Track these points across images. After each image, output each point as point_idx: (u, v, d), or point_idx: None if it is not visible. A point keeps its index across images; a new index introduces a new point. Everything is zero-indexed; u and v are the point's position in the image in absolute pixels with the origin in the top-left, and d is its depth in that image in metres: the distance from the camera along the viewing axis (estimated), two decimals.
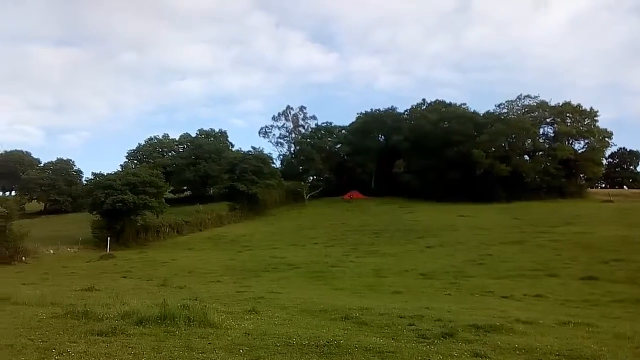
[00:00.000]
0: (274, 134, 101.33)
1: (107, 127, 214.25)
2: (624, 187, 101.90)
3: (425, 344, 8.67)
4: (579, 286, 23.09)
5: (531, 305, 18.02)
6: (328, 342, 8.35)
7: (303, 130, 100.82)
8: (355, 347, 8.05)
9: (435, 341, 8.89)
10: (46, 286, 22.21)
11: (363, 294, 21.02)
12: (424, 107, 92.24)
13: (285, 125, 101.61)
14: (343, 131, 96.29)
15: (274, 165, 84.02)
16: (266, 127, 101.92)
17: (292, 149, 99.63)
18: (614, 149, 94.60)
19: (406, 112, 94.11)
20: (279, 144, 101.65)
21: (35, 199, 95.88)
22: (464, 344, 8.65)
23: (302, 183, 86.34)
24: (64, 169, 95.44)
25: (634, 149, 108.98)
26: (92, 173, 62.72)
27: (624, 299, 19.14)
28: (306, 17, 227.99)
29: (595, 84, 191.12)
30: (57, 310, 11.48)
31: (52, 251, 47.59)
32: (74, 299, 14.33)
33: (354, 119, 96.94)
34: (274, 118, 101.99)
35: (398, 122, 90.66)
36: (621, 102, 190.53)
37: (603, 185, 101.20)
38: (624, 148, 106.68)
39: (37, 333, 8.76)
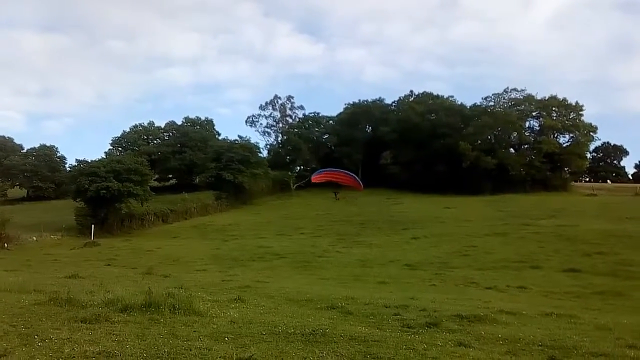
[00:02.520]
0: (261, 123, 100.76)
1: (91, 114, 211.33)
2: (608, 181, 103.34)
3: (410, 333, 8.74)
4: (561, 278, 23.41)
5: (514, 296, 18.25)
6: (314, 331, 8.37)
7: (290, 120, 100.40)
8: (341, 336, 8.08)
9: (420, 330, 8.97)
10: (29, 273, 21.99)
11: (349, 283, 21.12)
12: (412, 98, 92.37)
13: (272, 115, 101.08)
14: (330, 122, 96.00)
15: (261, 155, 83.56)
16: (253, 116, 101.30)
17: (279, 138, 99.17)
18: (598, 143, 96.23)
19: (394, 104, 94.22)
20: (266, 134, 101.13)
21: (17, 185, 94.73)
22: (448, 334, 8.74)
23: (289, 173, 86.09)
24: (47, 155, 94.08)
25: (618, 143, 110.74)
26: (76, 160, 62.15)
27: (605, 291, 19.45)
28: (294, 7, 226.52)
29: (581, 79, 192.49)
30: (40, 297, 11.37)
31: (34, 238, 46.94)
32: (57, 286, 14.18)
33: (341, 110, 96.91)
34: (261, 107, 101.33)
35: (386, 113, 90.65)
36: (605, 98, 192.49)
37: (587, 179, 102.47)
38: (608, 143, 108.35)
39: (20, 319, 8.67)
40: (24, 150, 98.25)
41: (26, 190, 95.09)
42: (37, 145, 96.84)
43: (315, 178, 59.86)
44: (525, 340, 8.33)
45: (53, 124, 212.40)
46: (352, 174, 58.07)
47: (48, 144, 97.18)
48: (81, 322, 8.56)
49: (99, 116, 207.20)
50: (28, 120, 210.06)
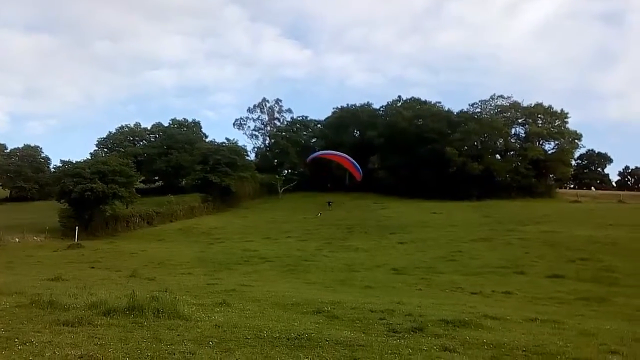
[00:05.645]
0: (248, 126, 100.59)
1: (76, 114, 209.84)
2: (592, 188, 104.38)
3: (396, 338, 8.73)
4: (546, 284, 23.60)
5: (499, 301, 18.32)
6: (299, 335, 8.34)
7: (278, 123, 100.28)
8: (326, 341, 8.06)
9: (405, 335, 8.96)
10: (11, 275, 21.65)
11: (335, 288, 21.08)
12: (400, 103, 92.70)
13: (260, 118, 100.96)
14: (318, 125, 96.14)
15: (248, 158, 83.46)
16: (241, 118, 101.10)
17: (267, 141, 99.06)
18: (582, 150, 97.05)
19: (382, 109, 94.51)
20: (254, 137, 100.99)
21: (0, 185, 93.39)
22: (433, 339, 8.74)
23: (277, 176, 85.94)
24: (30, 156, 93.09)
25: (602, 151, 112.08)
26: (61, 160, 61.56)
27: (588, 297, 19.63)
28: (281, 13, 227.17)
29: (565, 87, 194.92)
30: (22, 300, 11.20)
31: (17, 239, 46.28)
32: (40, 289, 14.00)
33: (329, 114, 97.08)
34: (249, 110, 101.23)
35: (373, 117, 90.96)
36: (589, 106, 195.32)
37: (571, 186, 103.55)
38: (592, 150, 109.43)
39: (0, 322, 8.51)
40: (7, 150, 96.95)
41: (9, 191, 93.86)
42: (20, 145, 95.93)
43: (313, 157, 56.45)
44: (510, 346, 8.37)
45: (37, 124, 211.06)
46: (352, 159, 53.17)
47: (32, 144, 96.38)
48: (63, 325, 8.44)
49: (84, 117, 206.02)
50: (12, 120, 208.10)
